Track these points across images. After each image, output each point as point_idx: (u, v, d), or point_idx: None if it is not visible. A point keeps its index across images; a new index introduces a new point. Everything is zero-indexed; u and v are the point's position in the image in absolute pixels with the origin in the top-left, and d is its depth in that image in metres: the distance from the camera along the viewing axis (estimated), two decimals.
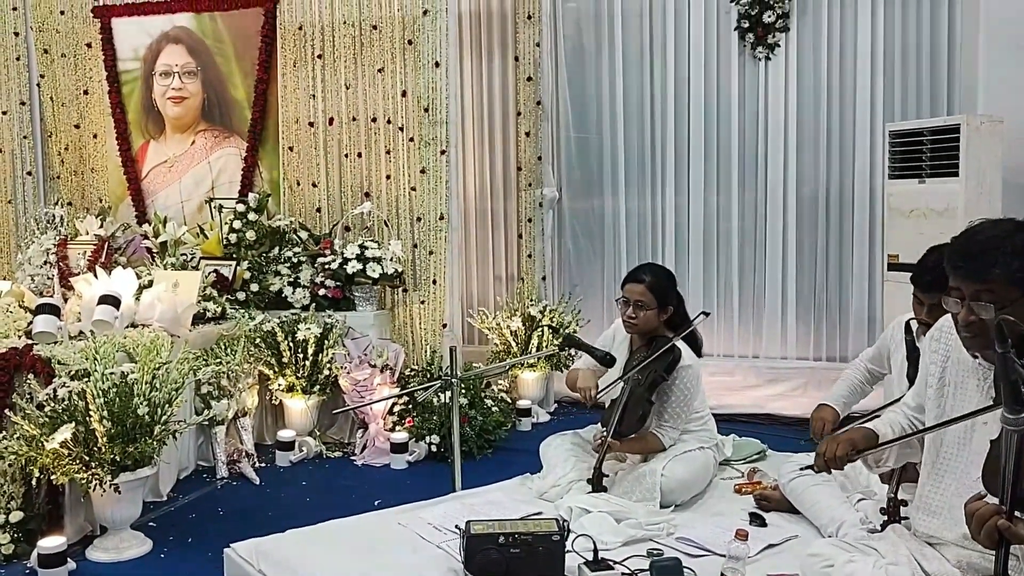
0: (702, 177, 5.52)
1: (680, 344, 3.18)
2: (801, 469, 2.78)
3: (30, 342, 3.73)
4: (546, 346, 5.12)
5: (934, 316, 2.44)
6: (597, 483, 2.89)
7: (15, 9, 5.74)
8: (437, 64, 4.95)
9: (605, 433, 3.00)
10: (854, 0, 5.18)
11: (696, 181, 5.54)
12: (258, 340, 4.53)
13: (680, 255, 5.58)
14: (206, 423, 4.06)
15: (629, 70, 5.60)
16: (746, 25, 5.31)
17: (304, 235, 5.18)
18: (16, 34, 5.75)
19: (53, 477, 3.30)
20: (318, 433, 4.64)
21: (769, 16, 5.22)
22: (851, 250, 5.32)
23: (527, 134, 5.58)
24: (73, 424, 3.26)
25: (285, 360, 4.50)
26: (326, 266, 4.86)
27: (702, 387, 3.30)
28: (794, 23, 5.28)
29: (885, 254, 4.72)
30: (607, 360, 3.13)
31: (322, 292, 4.88)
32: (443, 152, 4.99)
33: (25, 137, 5.82)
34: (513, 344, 5.21)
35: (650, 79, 5.58)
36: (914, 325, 2.88)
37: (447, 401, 4.40)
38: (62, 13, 5.66)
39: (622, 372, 3.20)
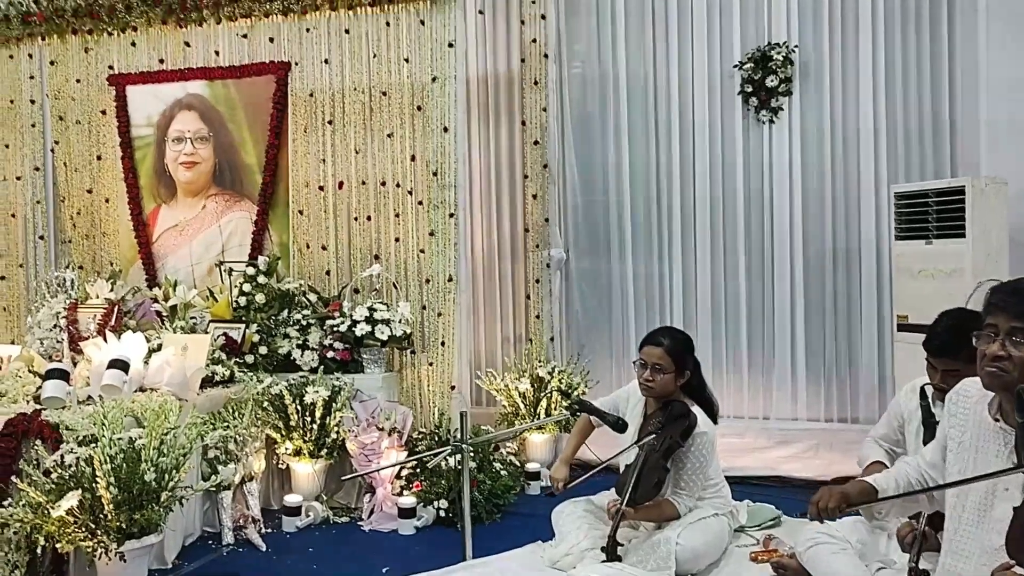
0: (708, 238, 5.55)
1: (695, 410, 3.16)
2: (801, 514, 2.72)
3: (39, 407, 3.73)
4: (555, 409, 5.08)
5: (948, 381, 2.42)
6: (611, 552, 2.84)
7: (32, 78, 5.87)
8: (446, 129, 5.03)
9: (619, 500, 2.96)
10: (855, 64, 5.27)
11: (703, 242, 5.56)
12: (266, 403, 4.50)
13: (688, 316, 5.58)
14: (213, 488, 4.01)
15: (634, 133, 5.68)
16: (749, 89, 5.39)
17: (313, 297, 5.20)
18: (32, 102, 5.87)
19: (58, 545, 3.27)
20: (325, 498, 4.58)
21: (772, 80, 5.30)
22: (859, 310, 5.32)
23: (534, 196, 5.63)
24: (80, 491, 3.24)
25: (293, 423, 4.46)
26: (335, 328, 4.87)
27: (717, 453, 3.27)
28: (796, 87, 5.36)
29: (894, 314, 4.71)
30: (619, 426, 3.11)
31: (331, 354, 4.87)
32: (451, 215, 5.04)
33: (38, 202, 5.90)
34: (522, 406, 5.18)
35: (655, 142, 5.65)
36: (929, 390, 2.86)
37: (456, 465, 4.37)
38: (78, 81, 5.78)
39: (637, 437, 3.17)
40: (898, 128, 5.24)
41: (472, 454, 4.35)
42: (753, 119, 5.45)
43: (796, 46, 5.33)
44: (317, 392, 4.48)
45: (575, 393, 5.06)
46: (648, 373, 3.22)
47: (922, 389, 2.92)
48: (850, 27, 5.29)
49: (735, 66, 5.43)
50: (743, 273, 5.51)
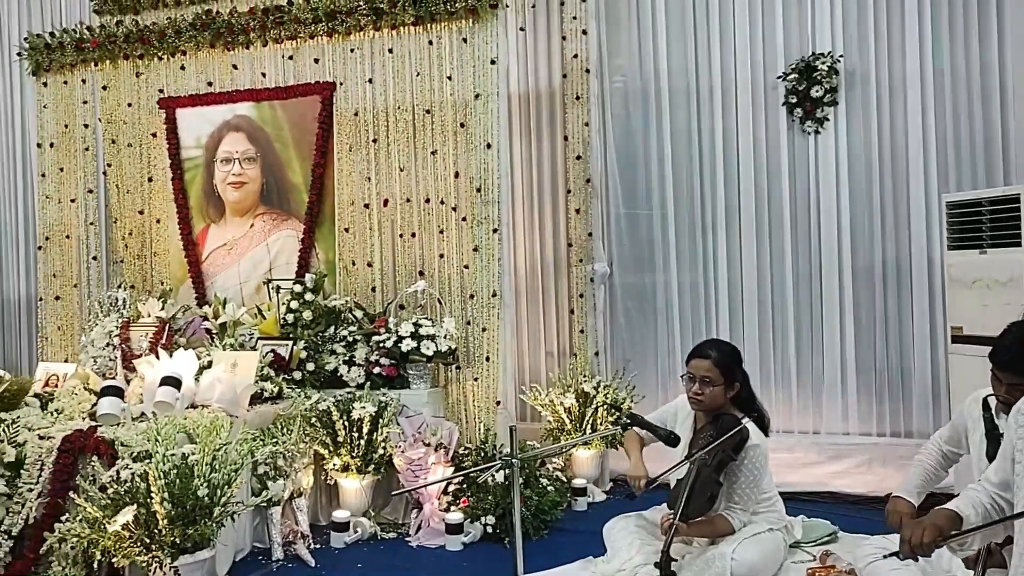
0: (754, 250, 5.50)
1: (746, 422, 3.11)
2: (885, 557, 2.66)
3: (94, 424, 3.79)
4: (602, 424, 5.05)
5: (1014, 394, 2.35)
6: (665, 567, 2.81)
7: (85, 102, 6.03)
8: (489, 145, 5.05)
9: (672, 515, 2.93)
10: (903, 72, 5.20)
11: (748, 254, 5.51)
12: (314, 419, 4.54)
13: (735, 329, 5.51)
14: (263, 504, 4.05)
15: (677, 146, 5.65)
16: (794, 100, 5.35)
17: (359, 314, 5.24)
18: (86, 126, 6.02)
19: (114, 560, 3.32)
20: (372, 513, 4.59)
21: (817, 91, 5.25)
22: (911, 322, 5.22)
23: (577, 211, 5.63)
24: (135, 506, 3.29)
25: (340, 439, 4.49)
26: (381, 344, 4.90)
27: (769, 466, 3.22)
28: (842, 97, 5.31)
29: (948, 326, 4.61)
30: (671, 440, 3.07)
31: (377, 370, 4.90)
32: (495, 230, 5.05)
33: (91, 223, 6.04)
34: (567, 421, 5.15)
35: (698, 154, 5.62)
36: (992, 401, 2.79)
37: (502, 481, 4.35)
38: (129, 105, 5.93)
39: (687, 452, 3.14)
40: (948, 136, 5.15)
41: (518, 470, 4.35)
42: (798, 130, 5.40)
43: (841, 55, 5.27)
44: (364, 408, 4.50)
45: (624, 407, 5.01)
46: (697, 386, 3.19)
47: (985, 400, 2.85)
48: (896, 35, 5.23)
49: (779, 77, 5.39)
50: (790, 285, 5.44)
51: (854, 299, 5.32)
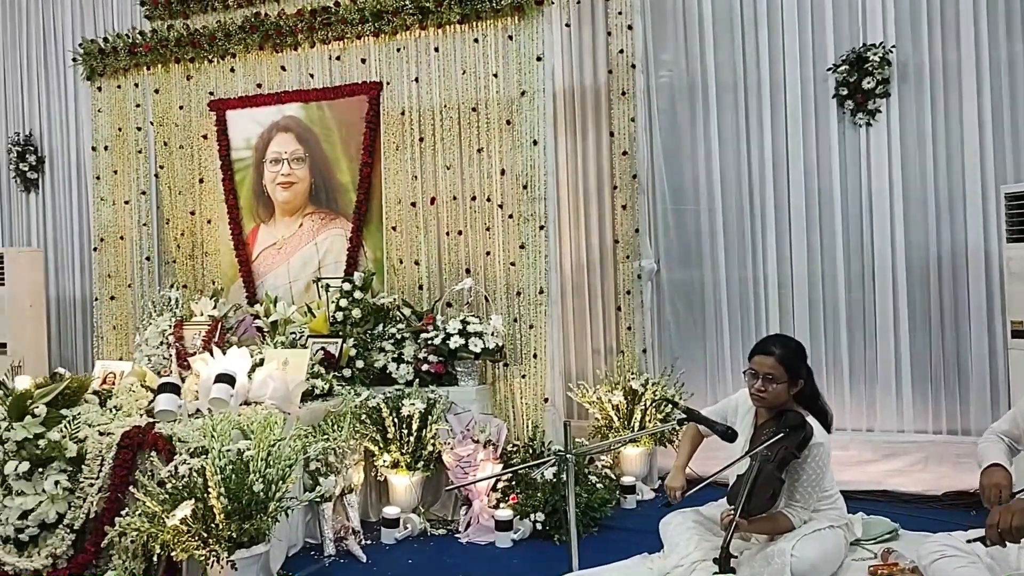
0: (805, 245, 5.42)
1: (810, 420, 3.06)
2: (969, 541, 2.57)
3: (152, 420, 3.86)
4: (651, 421, 5.01)
5: None
6: (725, 564, 2.76)
7: (138, 106, 6.14)
8: (535, 142, 5.04)
9: (732, 511, 2.89)
10: (957, 61, 5.09)
11: (799, 249, 5.43)
12: (363, 416, 4.57)
13: (785, 325, 5.44)
14: (316, 500, 4.09)
15: (725, 141, 5.60)
16: (844, 92, 5.26)
17: (407, 312, 5.27)
18: (138, 129, 6.13)
19: (173, 554, 3.37)
20: (422, 510, 4.62)
21: (869, 82, 5.16)
22: (968, 317, 5.10)
23: (623, 207, 5.59)
24: (193, 501, 3.34)
25: (390, 436, 4.52)
26: (429, 342, 4.92)
27: (831, 464, 3.16)
28: (895, 88, 5.21)
29: (1008, 320, 4.50)
30: (729, 435, 3.03)
31: (425, 367, 4.92)
32: (541, 227, 5.04)
33: (144, 224, 6.15)
34: (615, 418, 5.13)
35: (747, 149, 5.56)
36: None
37: (552, 478, 4.35)
38: (181, 108, 6.03)
39: (748, 447, 3.10)
40: (1005, 126, 5.03)
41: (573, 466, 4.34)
42: (849, 122, 5.31)
43: (894, 46, 5.18)
44: (413, 405, 4.52)
45: (679, 403, 4.97)
46: (760, 383, 3.14)
47: None
48: (950, 24, 5.12)
49: (829, 69, 5.31)
50: (842, 280, 5.35)
51: (908, 294, 5.22)
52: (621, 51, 5.57)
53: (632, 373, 5.35)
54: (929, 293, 5.18)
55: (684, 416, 3.17)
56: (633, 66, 5.55)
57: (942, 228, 5.15)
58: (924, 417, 5.21)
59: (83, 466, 3.68)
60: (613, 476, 4.91)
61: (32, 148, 7.61)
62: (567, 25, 5.78)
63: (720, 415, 3.39)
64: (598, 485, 4.59)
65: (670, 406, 5.01)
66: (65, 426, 3.71)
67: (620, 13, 5.57)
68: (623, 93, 5.57)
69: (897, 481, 4.94)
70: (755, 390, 3.15)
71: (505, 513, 4.31)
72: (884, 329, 5.26)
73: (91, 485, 3.65)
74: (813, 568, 2.87)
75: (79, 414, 3.84)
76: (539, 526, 4.29)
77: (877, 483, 4.94)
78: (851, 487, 4.76)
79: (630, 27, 5.55)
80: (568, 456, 2.65)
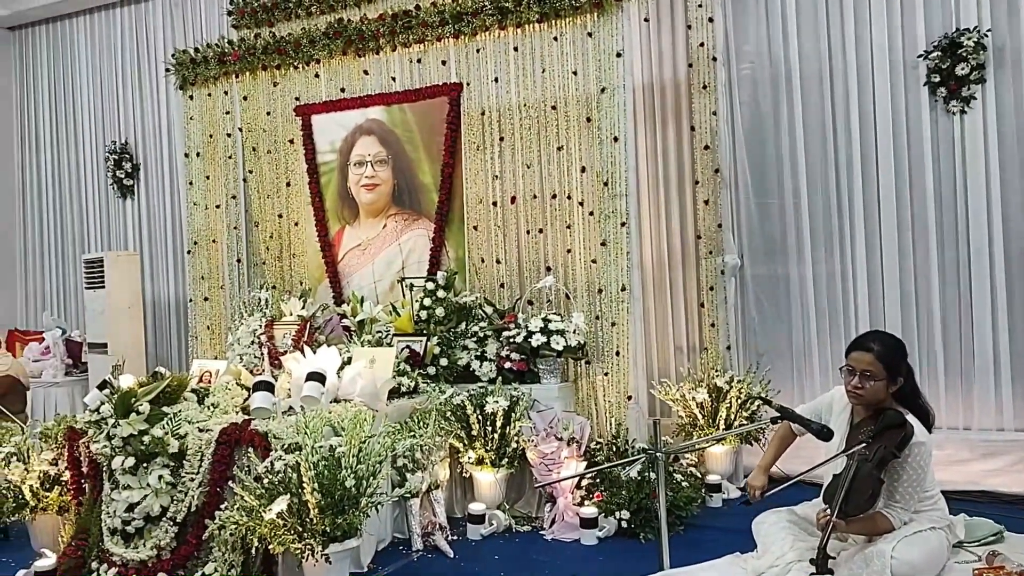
0: (896, 238, 5.25)
1: (910, 418, 2.98)
2: None
3: (248, 417, 3.99)
4: (736, 419, 4.94)
5: None
6: (822, 564, 2.72)
7: (227, 113, 6.35)
8: (615, 139, 5.02)
9: (829, 511, 2.83)
10: None
11: (889, 242, 5.27)
12: (448, 414, 4.63)
13: (875, 320, 5.29)
14: (406, 496, 4.16)
15: (810, 132, 5.47)
16: (936, 79, 5.08)
17: (489, 310, 5.32)
18: (228, 135, 6.34)
19: (270, 547, 3.48)
20: (506, 506, 4.65)
21: (963, 68, 4.97)
22: None
23: (706, 202, 5.52)
24: (288, 495, 3.43)
25: (474, 433, 4.57)
26: (511, 340, 4.95)
27: (932, 464, 3.07)
28: (990, 74, 5.01)
29: None
30: (824, 434, 2.96)
31: (507, 365, 4.96)
32: (623, 224, 5.02)
33: (235, 227, 6.36)
34: (699, 416, 5.07)
35: (833, 139, 5.42)
36: None
37: (636, 476, 4.33)
38: (268, 114, 6.21)
39: (845, 446, 3.03)
40: None
41: (652, 465, 4.32)
42: (942, 110, 5.13)
43: (989, 30, 4.98)
44: (497, 402, 4.56)
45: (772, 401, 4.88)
46: (857, 380, 3.07)
47: None
48: None
49: (920, 56, 5.14)
50: (935, 273, 5.17)
51: (1007, 288, 5.02)
52: (701, 44, 5.50)
53: (716, 370, 5.29)
54: None
55: (777, 415, 3.11)
56: (714, 59, 5.48)
57: None
58: None
59: (184, 461, 3.82)
60: (698, 474, 4.86)
61: (128, 156, 7.93)
62: (646, 20, 5.74)
63: (814, 413, 3.32)
64: (683, 483, 4.55)
65: (758, 403, 4.92)
66: (167, 423, 3.86)
67: (700, 6, 5.51)
68: (704, 87, 5.50)
69: (997, 481, 4.76)
70: (852, 387, 3.08)
71: (590, 511, 4.31)
72: (981, 324, 5.07)
73: (192, 480, 3.79)
74: (914, 570, 2.79)
75: (179, 411, 3.99)
76: (624, 524, 4.27)
77: (975, 483, 4.76)
78: (948, 487, 4.58)
79: (711, 20, 5.48)
80: (658, 455, 2.64)
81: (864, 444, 2.91)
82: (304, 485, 3.42)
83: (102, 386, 4.14)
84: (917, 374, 5.05)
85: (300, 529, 3.43)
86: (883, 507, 2.97)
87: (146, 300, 7.62)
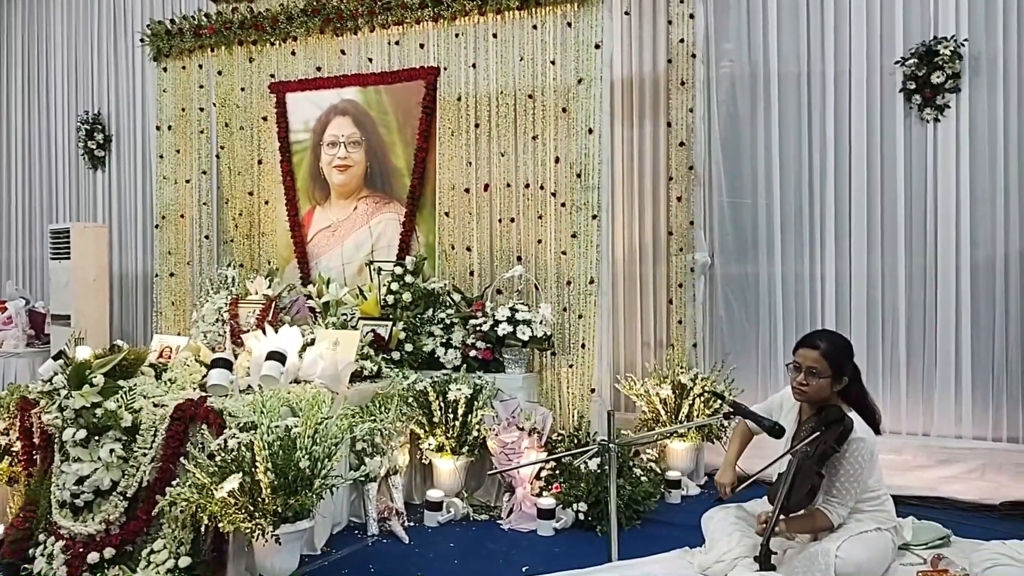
0: (865, 242, 5.28)
1: (854, 416, 2.99)
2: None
3: (204, 394, 3.94)
4: (698, 414, 4.95)
5: None
6: (765, 561, 2.73)
7: (201, 87, 6.26)
8: (590, 131, 5.00)
9: (771, 513, 2.84)
10: None
11: (858, 246, 5.30)
12: (410, 399, 4.60)
13: (842, 324, 5.30)
14: (361, 479, 4.14)
15: (785, 134, 5.48)
16: (912, 86, 5.10)
17: (457, 297, 5.29)
18: (201, 109, 6.26)
19: (220, 525, 3.43)
20: (465, 494, 4.64)
21: (938, 77, 5.00)
22: None
23: (679, 199, 5.52)
24: (240, 474, 3.39)
25: (436, 420, 4.55)
26: (478, 328, 4.93)
27: (878, 464, 3.08)
28: (966, 83, 5.03)
29: None
30: (775, 431, 2.98)
31: (473, 353, 4.94)
32: (595, 217, 5.00)
33: (204, 203, 6.28)
34: (663, 412, 5.07)
35: (807, 142, 5.44)
36: None
37: (596, 468, 4.32)
38: (243, 90, 6.13)
39: (789, 445, 3.04)
40: None
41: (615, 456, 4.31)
42: (916, 117, 5.15)
43: (966, 39, 5.00)
44: (460, 390, 4.55)
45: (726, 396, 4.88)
46: (802, 376, 3.09)
47: None
48: None
49: (897, 62, 5.15)
50: (903, 279, 5.20)
51: (971, 296, 5.05)
52: (681, 40, 5.49)
53: (681, 367, 5.30)
54: (994, 295, 5.01)
55: (731, 410, 3.12)
56: (693, 56, 5.47)
57: (1010, 229, 4.97)
58: (983, 424, 5.04)
59: (137, 436, 3.76)
60: (658, 470, 4.86)
61: (100, 127, 7.82)
62: (627, 13, 5.72)
63: (767, 412, 3.33)
64: (642, 478, 4.55)
65: (718, 401, 4.93)
66: (121, 396, 3.80)
67: (682, 2, 5.50)
68: (682, 83, 5.49)
69: (953, 488, 4.81)
70: (797, 383, 3.10)
71: (548, 501, 4.30)
72: (945, 331, 5.11)
73: (144, 455, 3.73)
74: (858, 570, 2.80)
75: (135, 385, 3.93)
76: (581, 516, 4.27)
77: (932, 489, 4.81)
78: (905, 492, 4.68)
79: (692, 16, 5.47)
80: (611, 446, 2.63)
81: (806, 441, 2.92)
82: (257, 464, 3.38)
83: (58, 356, 4.07)
84: (880, 379, 5.17)
85: (251, 508, 3.39)
86: (822, 503, 2.98)
87: (113, 273, 7.53)
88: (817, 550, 2.83)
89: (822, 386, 3.07)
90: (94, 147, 7.81)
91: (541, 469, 4.50)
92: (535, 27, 5.18)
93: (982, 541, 2.87)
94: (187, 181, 6.28)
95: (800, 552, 2.89)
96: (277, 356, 4.11)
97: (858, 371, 3.22)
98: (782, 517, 2.90)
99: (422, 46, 5.54)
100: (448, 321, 5.14)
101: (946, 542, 3.33)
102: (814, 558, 2.80)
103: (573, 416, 4.90)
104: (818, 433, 2.92)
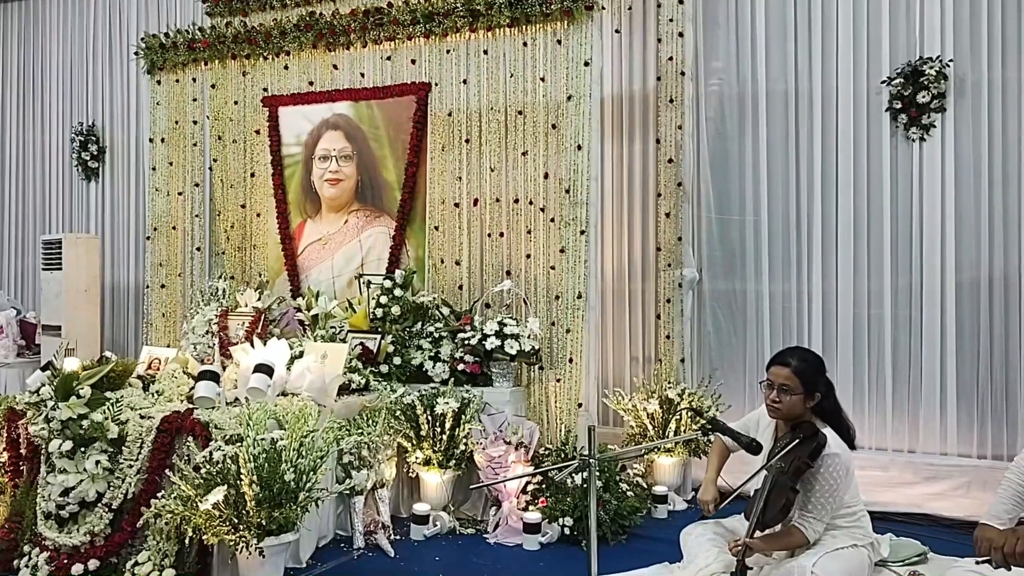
0: (851, 260, 5.32)
1: (828, 432, 3.02)
2: (977, 563, 2.52)
3: (191, 406, 3.95)
4: (685, 429, 4.98)
5: None
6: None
7: (195, 100, 6.30)
8: (579, 147, 5.04)
9: (746, 532, 2.85)
10: (1018, 77, 4.95)
11: (845, 264, 5.33)
12: (398, 412, 4.61)
13: (828, 341, 5.35)
14: (347, 493, 4.15)
15: (773, 151, 5.53)
16: (898, 106, 5.16)
17: (446, 311, 5.31)
18: (195, 122, 6.29)
19: (204, 537, 3.45)
20: (452, 508, 4.65)
21: (924, 96, 5.05)
22: (1019, 340, 4.96)
23: (667, 215, 5.56)
24: (225, 487, 3.41)
25: (423, 433, 4.56)
26: (466, 342, 4.95)
27: (854, 480, 3.10)
28: (951, 103, 5.09)
29: None
30: (753, 447, 3.00)
31: (461, 367, 4.96)
32: (583, 232, 5.04)
33: (196, 216, 6.31)
34: (650, 427, 5.10)
35: (795, 160, 5.48)
36: None
37: (581, 483, 4.34)
38: (235, 103, 6.17)
39: (765, 461, 3.06)
40: None
41: (598, 473, 4.32)
42: (902, 136, 5.20)
43: (951, 60, 5.06)
44: (447, 404, 4.56)
45: (706, 413, 4.91)
46: (775, 394, 3.12)
47: None
48: (1011, 40, 4.98)
49: (883, 82, 5.21)
50: (888, 298, 5.24)
51: (957, 315, 5.09)
52: (671, 58, 5.54)
53: (669, 382, 5.32)
54: (979, 314, 5.05)
55: (709, 427, 3.14)
56: (682, 73, 5.51)
57: (995, 248, 5.02)
58: (968, 441, 5.07)
59: (123, 448, 3.78)
60: (645, 485, 4.88)
61: (94, 138, 7.84)
62: (617, 31, 5.77)
63: (745, 429, 3.36)
64: (628, 493, 4.57)
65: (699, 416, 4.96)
66: (108, 408, 3.81)
67: (671, 20, 5.55)
68: (671, 100, 5.53)
69: (938, 505, 4.84)
70: (770, 401, 3.14)
71: (534, 516, 4.32)
72: (930, 349, 5.14)
73: (130, 466, 3.75)
74: None
75: (122, 397, 3.95)
76: (567, 531, 4.28)
77: (917, 506, 4.85)
78: (890, 508, 4.73)
79: (681, 34, 5.52)
80: (592, 460, 2.65)
81: (779, 456, 2.95)
82: (242, 476, 3.40)
83: (46, 367, 4.08)
84: (865, 396, 5.20)
85: (236, 521, 3.41)
86: (797, 518, 3.01)
87: (105, 284, 7.53)
88: (794, 566, 2.85)
89: (795, 403, 3.11)
90: (88, 158, 7.83)
91: (527, 483, 4.51)
92: (525, 44, 5.23)
93: (958, 558, 2.89)
94: (180, 193, 6.31)
95: (776, 568, 2.91)
96: (264, 368, 4.13)
97: (832, 387, 3.25)
98: (757, 533, 2.92)
99: (413, 62, 5.59)
100: (437, 335, 5.17)
101: (923, 559, 3.35)
102: (790, 574, 2.82)
103: (560, 430, 4.92)
104: (791, 446, 2.94)
